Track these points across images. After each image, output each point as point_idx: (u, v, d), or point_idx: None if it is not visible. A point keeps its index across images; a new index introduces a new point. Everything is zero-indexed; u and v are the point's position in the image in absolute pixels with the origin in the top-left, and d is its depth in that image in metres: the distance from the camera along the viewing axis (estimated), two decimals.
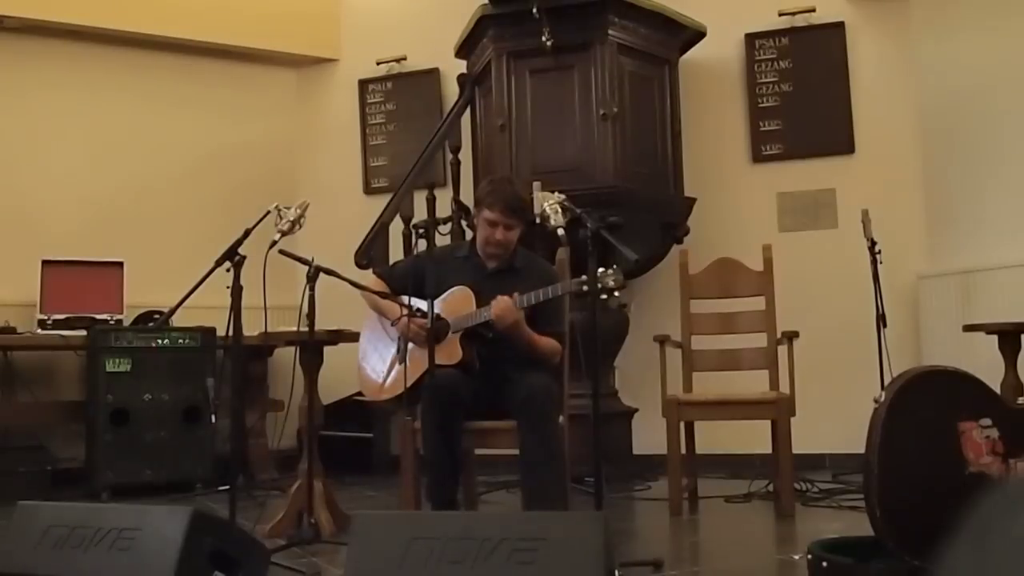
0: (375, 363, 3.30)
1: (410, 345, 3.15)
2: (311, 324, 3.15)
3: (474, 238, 3.35)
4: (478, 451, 3.36)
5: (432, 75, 5.80)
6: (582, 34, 4.59)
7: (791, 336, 3.88)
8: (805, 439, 3.96)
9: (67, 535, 2.28)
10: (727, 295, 4.16)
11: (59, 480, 4.68)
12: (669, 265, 4.70)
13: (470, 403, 3.02)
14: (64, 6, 5.25)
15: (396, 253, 4.87)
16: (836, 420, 4.45)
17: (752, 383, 4.02)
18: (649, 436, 4.47)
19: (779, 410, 3.72)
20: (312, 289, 3.07)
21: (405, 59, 5.86)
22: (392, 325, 3.23)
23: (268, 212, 3.15)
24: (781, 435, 3.71)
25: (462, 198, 4.99)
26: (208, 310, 3.84)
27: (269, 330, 3.18)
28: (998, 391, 3.25)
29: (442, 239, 4.93)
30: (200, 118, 5.78)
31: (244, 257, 2.97)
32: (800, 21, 5.22)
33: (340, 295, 3.30)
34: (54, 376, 5.11)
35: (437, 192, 5.06)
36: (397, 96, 5.92)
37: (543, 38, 4.47)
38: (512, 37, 4.67)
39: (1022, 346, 3.90)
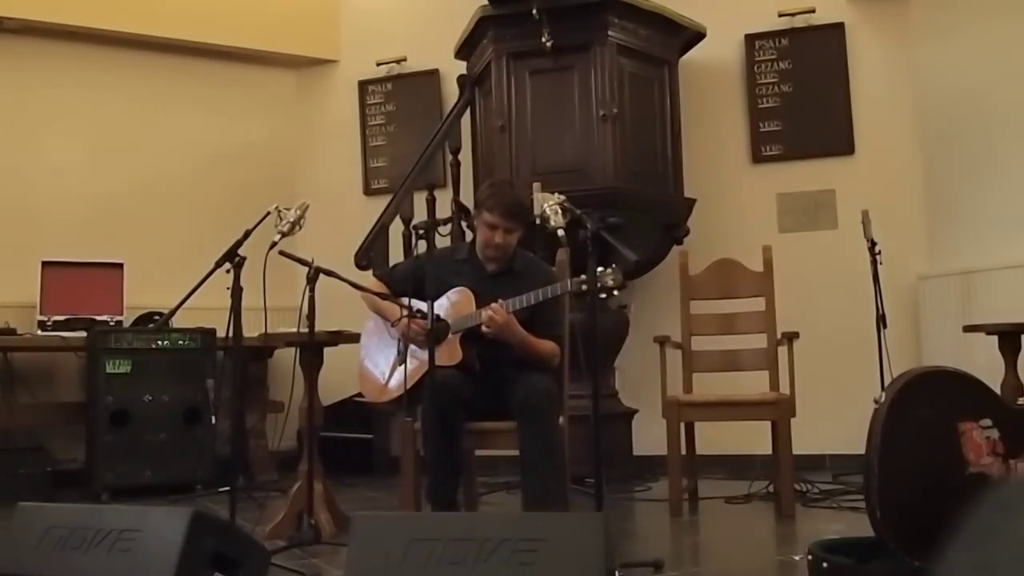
0: (376, 364, 3.30)
1: (411, 346, 3.15)
2: (311, 325, 3.16)
3: (474, 240, 3.35)
4: (478, 452, 3.36)
5: (432, 76, 5.80)
6: (582, 35, 4.59)
7: (791, 337, 3.88)
8: (805, 440, 3.96)
9: (67, 536, 2.28)
10: (727, 296, 4.16)
11: (59, 481, 4.67)
12: (669, 266, 4.70)
13: (470, 404, 3.02)
14: (64, 7, 5.25)
15: (396, 254, 4.87)
16: (836, 421, 4.45)
17: (752, 384, 4.02)
18: (649, 437, 4.47)
19: (779, 411, 3.72)
20: (312, 290, 3.07)
21: (405, 60, 5.86)
22: (392, 326, 3.23)
23: (268, 213, 3.16)
24: (781, 436, 3.71)
25: (462, 199, 4.99)
26: (208, 311, 3.84)
27: (269, 331, 3.19)
28: (998, 391, 3.26)
29: (442, 240, 4.93)
30: (200, 119, 5.78)
31: (244, 258, 2.98)
32: (800, 22, 5.22)
33: (340, 296, 3.30)
34: (54, 377, 5.11)
35: (437, 193, 5.06)
36: (397, 97, 5.92)
37: (543, 39, 4.47)
38: (512, 38, 4.67)
39: (1022, 347, 3.89)
